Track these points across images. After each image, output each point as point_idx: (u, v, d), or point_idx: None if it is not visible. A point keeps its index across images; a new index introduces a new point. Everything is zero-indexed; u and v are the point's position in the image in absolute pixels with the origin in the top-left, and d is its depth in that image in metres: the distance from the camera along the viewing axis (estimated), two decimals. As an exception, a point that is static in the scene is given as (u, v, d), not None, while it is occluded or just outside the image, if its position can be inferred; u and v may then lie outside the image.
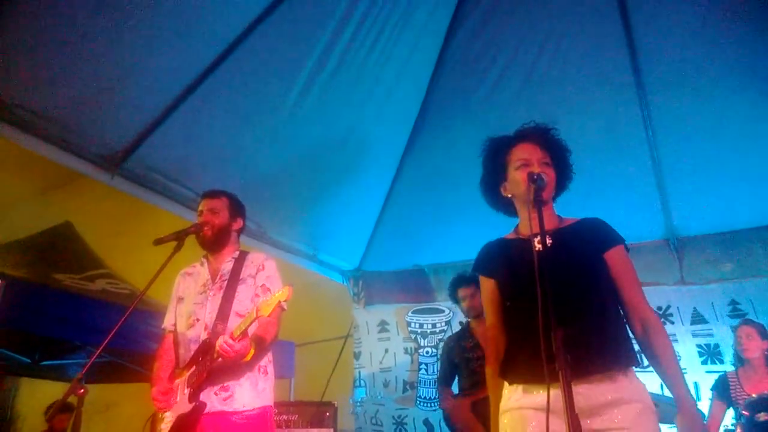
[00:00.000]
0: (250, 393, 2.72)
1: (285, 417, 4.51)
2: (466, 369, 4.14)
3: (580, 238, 2.04)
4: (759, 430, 3.19)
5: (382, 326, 6.13)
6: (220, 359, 2.57)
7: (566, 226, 2.11)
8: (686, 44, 4.10)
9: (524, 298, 1.93)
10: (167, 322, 3.00)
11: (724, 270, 4.94)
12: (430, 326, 5.93)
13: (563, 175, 2.16)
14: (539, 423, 1.81)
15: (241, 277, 2.88)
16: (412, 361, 5.92)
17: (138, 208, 4.43)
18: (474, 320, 4.29)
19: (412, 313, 6.02)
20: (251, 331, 2.59)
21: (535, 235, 1.85)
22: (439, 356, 5.69)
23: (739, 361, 4.09)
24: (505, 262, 2.12)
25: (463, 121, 4.83)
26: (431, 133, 5.04)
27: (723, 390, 4.04)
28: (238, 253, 3.00)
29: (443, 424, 5.45)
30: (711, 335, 4.89)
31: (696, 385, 4.81)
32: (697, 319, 4.99)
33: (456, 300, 4.36)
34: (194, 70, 3.76)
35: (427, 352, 5.86)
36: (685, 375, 4.73)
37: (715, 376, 4.61)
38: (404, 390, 5.86)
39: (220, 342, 2.50)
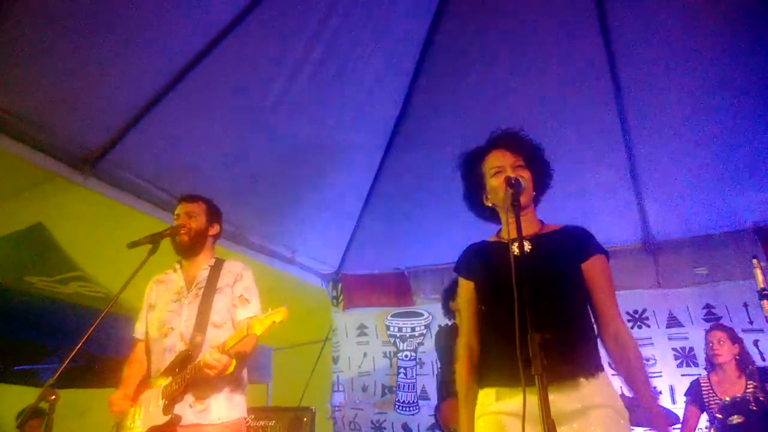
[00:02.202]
0: (225, 406, 2.67)
1: (262, 423, 4.46)
2: (452, 367, 4.13)
3: (559, 246, 2.04)
4: (732, 433, 3.24)
5: (361, 330, 6.10)
6: (202, 373, 2.52)
7: (548, 232, 2.11)
8: (664, 50, 4.16)
9: (499, 303, 1.95)
10: (137, 331, 2.93)
11: (699, 274, 5.00)
12: (409, 330, 5.92)
13: (541, 175, 2.16)
14: (514, 429, 1.82)
15: (218, 286, 2.82)
16: (390, 365, 5.90)
17: (112, 209, 4.35)
18: None
19: (391, 316, 6.01)
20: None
21: (515, 240, 1.86)
22: (418, 360, 5.68)
23: (711, 365, 4.14)
24: (484, 265, 2.12)
25: (443, 124, 4.83)
26: (411, 136, 5.04)
27: (696, 394, 4.08)
28: (214, 260, 2.94)
29: (422, 427, 5.48)
30: (686, 338, 4.95)
31: (671, 388, 4.86)
32: (673, 322, 5.05)
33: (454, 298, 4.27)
34: (170, 70, 3.71)
35: (406, 356, 5.85)
36: (661, 378, 4.81)
37: (690, 378, 4.67)
38: (383, 394, 5.84)
39: (207, 358, 2.45)
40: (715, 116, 4.39)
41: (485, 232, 2.27)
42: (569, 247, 2.04)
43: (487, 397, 1.96)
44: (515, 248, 1.87)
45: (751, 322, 4.67)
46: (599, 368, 1.91)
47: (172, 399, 2.57)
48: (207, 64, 3.75)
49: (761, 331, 4.60)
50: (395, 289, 6.04)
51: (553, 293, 1.94)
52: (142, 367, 2.84)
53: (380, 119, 5.01)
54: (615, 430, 1.81)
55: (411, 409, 5.63)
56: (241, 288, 2.84)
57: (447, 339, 4.44)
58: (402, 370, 5.82)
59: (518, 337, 1.62)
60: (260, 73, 4.07)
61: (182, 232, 2.85)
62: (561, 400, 1.80)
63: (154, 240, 2.68)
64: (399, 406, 5.71)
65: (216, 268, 2.89)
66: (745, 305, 4.74)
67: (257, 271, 3.01)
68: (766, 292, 3.04)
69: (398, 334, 5.93)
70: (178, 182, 4.03)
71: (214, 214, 3.01)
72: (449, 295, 4.36)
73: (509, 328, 1.71)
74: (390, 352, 5.94)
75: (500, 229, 2.19)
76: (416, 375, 5.74)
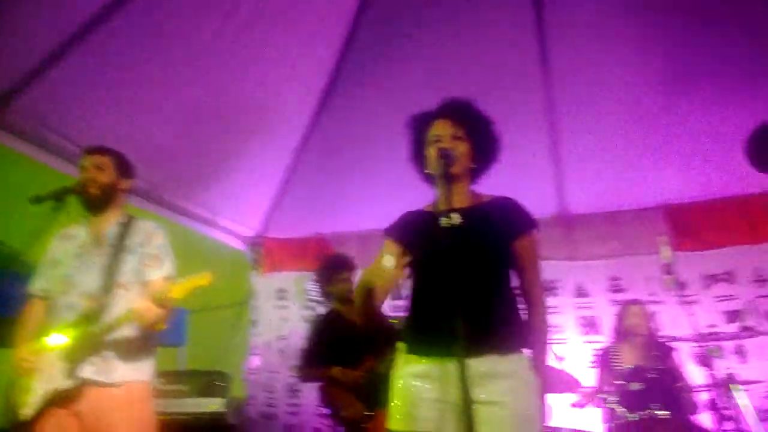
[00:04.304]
0: (129, 366, 2.54)
1: (174, 387, 4.35)
2: (342, 352, 4.09)
3: (491, 219, 2.06)
4: (631, 398, 3.46)
5: (281, 294, 6.03)
6: (111, 331, 2.41)
7: (479, 204, 2.13)
8: (594, 30, 4.26)
9: (425, 274, 2.02)
10: (36, 286, 2.71)
11: (609, 247, 5.25)
12: (329, 295, 5.89)
13: (482, 148, 2.16)
14: (426, 390, 1.91)
15: (127, 245, 2.66)
16: (309, 330, 5.88)
17: (17, 162, 4.01)
18: (339, 303, 4.26)
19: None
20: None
21: (444, 212, 1.87)
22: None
23: (620, 335, 4.40)
24: (416, 234, 2.12)
25: (376, 90, 4.76)
26: (342, 100, 4.93)
27: (605, 362, 4.35)
28: (124, 217, 2.77)
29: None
30: (592, 308, 5.22)
31: (575, 354, 5.12)
32: (580, 292, 5.29)
33: (328, 280, 4.26)
34: (85, 13, 3.41)
35: (325, 321, 5.83)
36: (566, 345, 5.05)
37: (593, 345, 4.96)
38: (300, 358, 5.82)
39: (139, 307, 2.34)
40: (640, 98, 4.56)
41: (412, 200, 2.26)
42: (500, 223, 2.06)
43: (404, 359, 2.04)
44: (445, 220, 1.90)
45: (652, 295, 4.94)
46: (519, 346, 1.98)
47: (74, 361, 2.43)
48: (127, 11, 3.48)
49: (661, 303, 4.89)
50: (317, 253, 5.96)
51: (477, 267, 1.97)
52: (37, 324, 2.65)
53: (312, 79, 4.86)
54: (519, 397, 1.89)
55: (328, 372, 5.64)
56: (154, 248, 2.69)
57: (313, 332, 4.38)
58: (321, 334, 5.81)
59: (441, 308, 1.66)
60: (183, 24, 3.82)
61: (90, 186, 2.65)
62: (471, 366, 1.86)
63: (60, 196, 2.50)
64: (316, 369, 5.71)
65: (126, 226, 2.71)
66: (648, 278, 5.02)
67: (173, 232, 2.86)
68: (669, 266, 3.24)
69: (318, 299, 5.90)
70: (89, 135, 3.75)
71: (124, 167, 2.80)
72: (325, 277, 4.28)
73: (433, 299, 1.81)
74: (309, 316, 5.90)
75: (436, 198, 2.19)
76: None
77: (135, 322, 2.37)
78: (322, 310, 4.65)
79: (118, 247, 2.64)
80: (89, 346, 2.44)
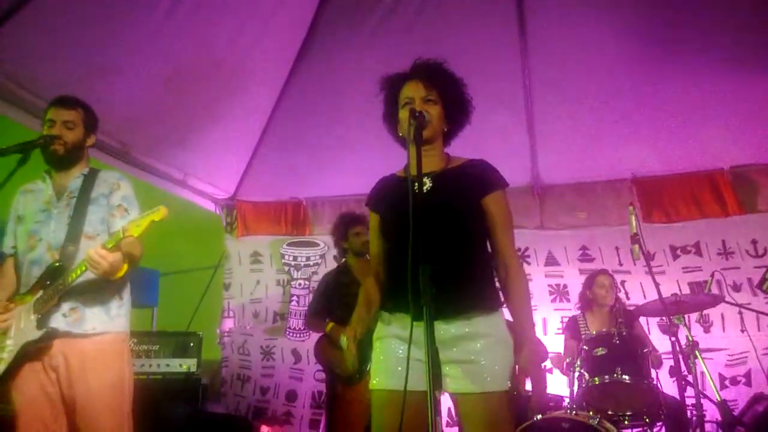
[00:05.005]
0: (101, 317, 2.52)
1: (146, 347, 4.35)
2: (341, 304, 4.18)
3: (461, 181, 2.07)
4: (596, 363, 3.56)
5: (255, 258, 6.02)
6: (80, 276, 2.37)
7: (450, 168, 2.13)
8: (569, 6, 4.25)
9: (396, 237, 2.02)
10: (5, 246, 2.68)
11: (578, 218, 5.34)
12: (304, 259, 5.91)
13: (455, 110, 2.14)
14: (402, 350, 1.94)
15: (92, 196, 2.61)
16: (284, 293, 5.90)
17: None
18: (353, 257, 4.36)
19: (286, 245, 5.96)
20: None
21: (418, 177, 1.88)
22: (311, 289, 5.72)
23: (587, 304, 4.50)
24: (388, 199, 2.14)
25: (351, 52, 4.69)
26: (318, 61, 4.85)
27: (574, 330, 4.46)
28: (87, 169, 2.71)
29: (310, 353, 5.58)
30: (561, 276, 5.32)
31: (544, 320, 5.24)
32: (551, 261, 5.38)
33: (343, 236, 4.39)
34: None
35: (299, 285, 5.86)
36: (536, 311, 5.15)
37: (562, 312, 5.07)
38: (274, 321, 5.86)
39: (91, 253, 2.29)
40: (612, 73, 4.59)
41: (385, 165, 2.26)
42: (471, 183, 2.08)
43: (383, 321, 2.09)
44: (423, 185, 1.95)
45: (620, 264, 5.08)
46: (492, 307, 2.00)
47: (45, 312, 2.42)
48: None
49: (628, 272, 5.03)
50: (292, 218, 5.98)
51: (448, 230, 1.99)
52: (10, 283, 2.63)
53: (287, 39, 4.77)
54: (493, 354, 1.93)
55: (301, 335, 5.70)
56: (119, 197, 2.64)
57: (323, 283, 4.51)
58: (294, 297, 5.85)
59: (410, 272, 1.68)
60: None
61: (57, 143, 2.57)
62: (446, 328, 1.92)
63: (25, 149, 2.43)
64: (289, 332, 5.76)
65: (90, 178, 2.66)
66: (617, 248, 5.14)
67: (143, 192, 2.82)
68: (637, 237, 3.29)
69: (293, 263, 5.92)
70: (54, 87, 3.63)
71: (92, 123, 2.73)
72: (341, 234, 4.43)
73: (403, 262, 1.78)
74: (283, 280, 5.93)
75: (408, 162, 2.18)
76: (308, 303, 5.78)
77: (90, 269, 2.32)
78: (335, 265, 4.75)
79: (82, 199, 2.59)
80: (57, 298, 2.42)
